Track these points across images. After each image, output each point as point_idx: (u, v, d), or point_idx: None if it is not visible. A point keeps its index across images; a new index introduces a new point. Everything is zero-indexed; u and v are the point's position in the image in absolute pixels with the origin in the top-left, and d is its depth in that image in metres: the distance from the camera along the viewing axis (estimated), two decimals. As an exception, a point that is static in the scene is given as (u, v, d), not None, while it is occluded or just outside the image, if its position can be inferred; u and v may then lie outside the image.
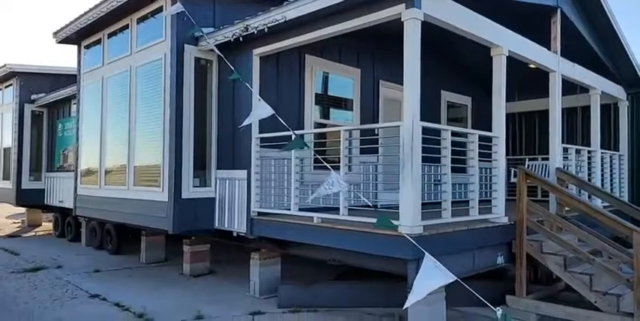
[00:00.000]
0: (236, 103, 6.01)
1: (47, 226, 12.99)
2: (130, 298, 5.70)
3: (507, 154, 11.37)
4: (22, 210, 14.02)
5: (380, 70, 7.90)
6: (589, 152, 7.78)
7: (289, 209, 5.25)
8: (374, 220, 4.26)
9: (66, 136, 10.73)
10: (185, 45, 5.98)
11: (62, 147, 10.94)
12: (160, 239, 8.31)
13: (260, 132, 5.74)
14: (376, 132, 7.12)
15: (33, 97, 11.47)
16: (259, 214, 5.67)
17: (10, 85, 11.93)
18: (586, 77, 7.40)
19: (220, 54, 5.72)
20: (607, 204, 6.70)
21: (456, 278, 3.25)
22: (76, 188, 8.29)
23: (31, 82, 11.59)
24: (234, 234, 5.94)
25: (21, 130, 11.40)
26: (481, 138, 5.11)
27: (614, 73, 8.80)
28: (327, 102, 7.15)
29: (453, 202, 5.00)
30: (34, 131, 11.66)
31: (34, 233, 12.28)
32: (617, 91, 8.91)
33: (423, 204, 4.87)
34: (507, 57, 5.49)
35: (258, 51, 5.74)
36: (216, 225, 6.16)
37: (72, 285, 6.43)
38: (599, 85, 7.86)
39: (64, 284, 6.47)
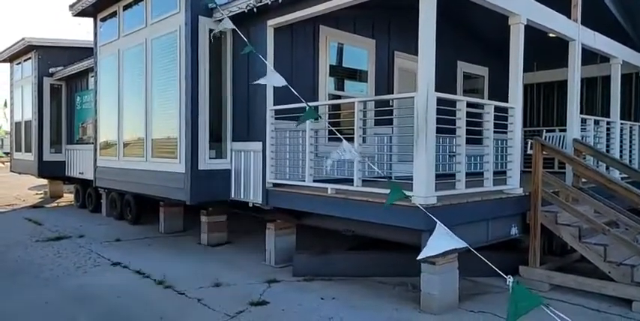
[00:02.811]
0: (251, 75, 5.99)
1: (68, 197, 13.35)
2: (150, 266, 5.90)
3: (525, 125, 11.35)
4: (44, 182, 14.40)
5: (395, 41, 7.77)
6: (608, 123, 7.64)
7: (304, 180, 5.32)
8: (387, 191, 4.31)
9: (84, 109, 10.88)
10: (199, 17, 5.95)
11: (81, 120, 11.12)
12: (178, 210, 8.50)
13: (274, 104, 5.75)
14: (390, 103, 7.09)
15: (51, 70, 11.59)
16: (274, 185, 5.75)
17: (29, 58, 12.05)
18: (607, 46, 7.18)
19: (233, 26, 5.68)
20: (625, 175, 6.64)
21: (466, 245, 3.29)
22: (95, 160, 8.47)
23: (49, 55, 11.68)
24: (250, 205, 6.05)
25: (40, 104, 11.59)
26: (497, 109, 5.06)
27: (635, 42, 8.51)
28: (342, 73, 7.09)
29: (468, 174, 5.01)
30: (54, 104, 11.83)
31: (56, 204, 12.64)
32: (639, 60, 8.63)
33: (438, 175, 4.89)
34: (525, 26, 5.35)
35: (273, 22, 5.68)
36: (232, 196, 6.27)
37: (94, 253, 6.67)
38: (620, 54, 7.63)
39: (87, 252, 6.72)
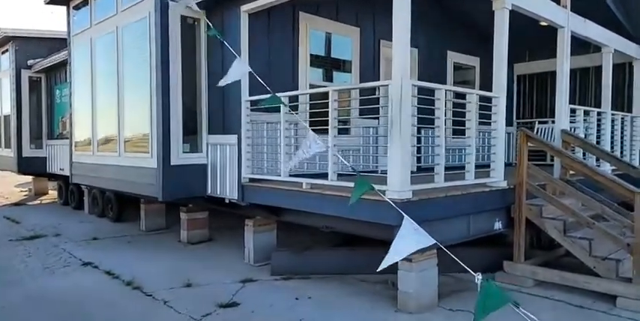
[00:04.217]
0: (225, 64, 5.71)
1: (53, 194, 13.09)
2: (123, 266, 5.67)
3: (518, 117, 11.15)
4: (31, 179, 14.12)
5: (381, 29, 7.49)
6: (599, 114, 7.43)
7: (279, 175, 5.09)
8: (377, 187, 4.08)
9: (64, 103, 10.56)
10: (170, 2, 5.67)
11: (61, 114, 10.82)
12: (159, 207, 8.26)
13: (251, 94, 5.50)
14: (377, 94, 6.85)
15: (30, 62, 11.25)
16: (251, 180, 5.53)
17: (6, 51, 11.71)
18: (598, 34, 6.94)
19: (198, 9, 5.42)
20: (615, 168, 6.44)
21: (436, 242, 3.07)
22: (71, 155, 8.21)
23: (27, 46, 11.33)
24: (227, 201, 5.83)
25: (19, 97, 11.25)
26: (484, 100, 4.85)
27: (629, 31, 8.28)
28: (324, 63, 6.84)
29: (455, 167, 4.80)
30: (33, 98, 11.51)
31: (39, 201, 12.38)
32: (631, 49, 8.40)
33: (425, 169, 4.69)
34: (512, 11, 5.11)
35: (247, 7, 5.42)
36: (209, 192, 6.04)
37: (66, 253, 6.43)
38: (612, 43, 7.40)
39: (59, 252, 6.48)
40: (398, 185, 3.82)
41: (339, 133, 6.11)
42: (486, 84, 9.79)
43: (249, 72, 5.38)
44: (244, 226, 5.98)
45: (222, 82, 4.72)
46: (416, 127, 5.07)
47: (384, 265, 2.99)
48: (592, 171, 4.67)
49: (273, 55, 6.01)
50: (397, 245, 3.00)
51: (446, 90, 4.30)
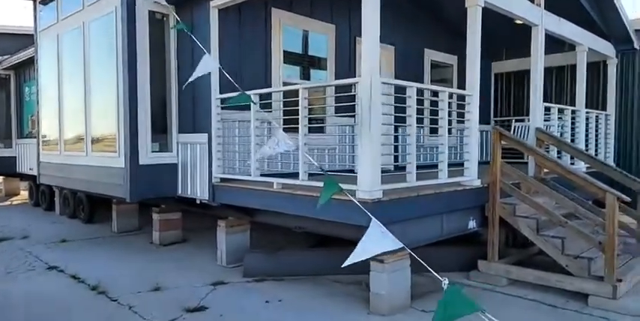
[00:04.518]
0: (195, 61, 5.49)
1: (25, 195, 12.71)
2: (90, 270, 5.48)
3: (495, 115, 11.19)
4: (0, 179, 13.71)
5: (357, 27, 7.28)
6: (573, 112, 7.47)
7: (250, 175, 4.96)
8: (343, 186, 3.98)
9: (33, 101, 10.17)
10: (137, -3, 5.49)
11: (30, 112, 10.48)
12: (131, 207, 8.06)
13: (222, 92, 5.36)
14: (353, 91, 6.76)
15: (-2, 59, 10.92)
16: (222, 180, 5.39)
17: (-26, 47, 11.33)
18: (572, 32, 6.97)
19: (167, 4, 5.26)
20: (589, 165, 6.47)
21: (403, 245, 2.99)
22: (38, 155, 7.95)
23: (-4, 43, 11.00)
24: (198, 201, 5.67)
25: (-14, 96, 10.92)
26: (462, 98, 4.80)
27: (603, 30, 8.35)
28: (300, 60, 6.72)
29: (433, 166, 4.73)
30: (2, 96, 11.18)
31: (9, 202, 12.02)
32: (605, 48, 8.49)
33: (401, 167, 4.61)
34: (487, 9, 5.08)
35: (216, 3, 5.27)
36: (180, 192, 5.88)
37: (33, 256, 6.20)
38: (586, 42, 7.45)
39: (24, 256, 6.24)
40: (368, 185, 3.73)
41: (314, 132, 6.03)
42: (464, 82, 9.82)
43: (220, 69, 5.24)
44: (217, 227, 5.85)
45: (190, 79, 4.55)
46: (392, 127, 5.06)
47: (346, 264, 2.90)
48: (564, 169, 4.66)
49: (244, 52, 5.87)
50: (363, 246, 2.91)
51: (417, 88, 4.21)
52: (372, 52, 3.76)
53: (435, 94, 4.72)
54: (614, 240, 4.17)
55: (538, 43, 6.15)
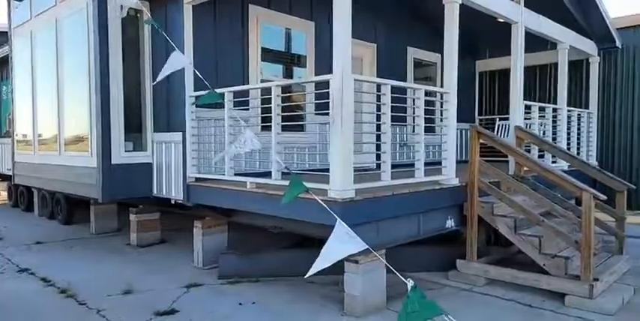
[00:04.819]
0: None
1: (4, 195, 12.45)
2: (62, 272, 5.34)
3: (480, 113, 11.17)
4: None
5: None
6: (555, 110, 7.45)
7: (224, 174, 4.86)
8: (307, 185, 3.90)
9: (10, 99, 10.05)
10: (109, -7, 5.36)
11: (8, 111, 10.26)
12: (110, 208, 7.90)
13: (196, 90, 5.24)
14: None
15: (-27, 57, 10.65)
16: (197, 179, 5.28)
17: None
18: (553, 30, 6.95)
19: (139, 0, 5.13)
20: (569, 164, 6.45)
21: (367, 247, 2.91)
22: (13, 154, 7.76)
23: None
24: (172, 201, 5.56)
25: (-38, 95, 10.68)
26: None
27: (585, 29, 8.36)
28: (280, 58, 6.63)
29: (410, 165, 4.68)
30: (-21, 95, 10.93)
31: (-12, 203, 11.77)
32: (588, 46, 8.50)
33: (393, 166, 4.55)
34: (465, 6, 5.03)
35: (189, -1, 5.17)
36: (155, 192, 5.76)
37: (4, 259, 6.03)
38: (568, 40, 7.44)
39: (-5, 258, 6.09)
40: (339, 184, 3.65)
41: (295, 130, 5.95)
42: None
43: (190, 66, 5.14)
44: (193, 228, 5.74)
45: (159, 76, 4.44)
46: (374, 125, 4.98)
47: (312, 271, 2.82)
48: (540, 167, 4.61)
49: (220, 49, 5.76)
50: (328, 249, 2.82)
51: (391, 85, 4.13)
52: (344, 49, 3.68)
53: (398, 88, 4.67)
54: (591, 239, 4.13)
55: (518, 41, 6.12)
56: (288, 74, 6.98)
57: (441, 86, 9.12)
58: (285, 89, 5.81)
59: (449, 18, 4.84)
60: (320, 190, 3.78)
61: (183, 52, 5.11)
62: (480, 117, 11.03)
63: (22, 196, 10.40)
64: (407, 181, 4.37)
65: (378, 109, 4.24)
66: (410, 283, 2.52)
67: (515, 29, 6.09)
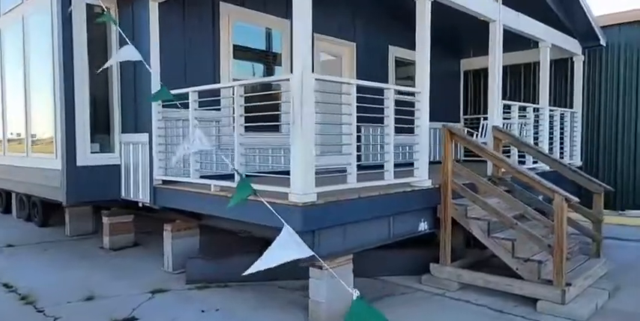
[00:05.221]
0: (137, 58, 5.31)
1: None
2: (26, 277, 5.20)
3: (465, 113, 11.07)
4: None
5: (315, 23, 7.10)
6: (537, 110, 7.35)
7: (189, 176, 4.71)
8: (270, 188, 3.78)
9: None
10: (73, -11, 5.20)
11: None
12: (86, 210, 7.74)
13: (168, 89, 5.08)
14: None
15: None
16: (164, 182, 5.12)
17: None
18: (533, 29, 6.84)
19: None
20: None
21: (313, 254, 2.79)
22: (-17, 156, 7.58)
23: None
24: (140, 204, 5.41)
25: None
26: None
27: (569, 27, 8.26)
28: (251, 56, 6.49)
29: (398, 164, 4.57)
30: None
31: (-34, 205, 11.53)
32: (571, 45, 8.41)
33: (366, 167, 4.43)
34: (439, 4, 4.92)
35: (155, -4, 5.01)
36: (123, 195, 5.60)
37: (-31, 262, 5.88)
38: (549, 38, 7.34)
39: (-40, 262, 5.92)
40: (299, 188, 3.51)
41: (271, 131, 5.79)
42: (432, 80, 9.67)
43: (161, 65, 5.01)
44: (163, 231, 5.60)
45: (105, 65, 4.29)
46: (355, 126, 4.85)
47: (250, 271, 2.69)
48: (513, 169, 4.50)
49: (190, 47, 5.62)
50: (271, 252, 2.70)
51: (357, 85, 4.00)
52: (304, 47, 3.54)
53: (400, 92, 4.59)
54: (563, 242, 4.02)
55: (496, 39, 6.01)
56: (269, 73, 6.85)
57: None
58: (264, 88, 5.67)
59: (420, 15, 4.72)
60: (282, 194, 3.65)
61: (149, 51, 4.98)
62: (465, 116, 10.93)
63: (0, 198, 10.20)
64: (375, 184, 4.24)
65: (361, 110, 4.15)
66: (355, 293, 2.38)
67: (493, 27, 5.98)
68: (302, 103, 3.47)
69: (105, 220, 6.70)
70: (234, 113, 4.16)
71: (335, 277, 3.90)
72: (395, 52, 8.77)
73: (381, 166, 4.43)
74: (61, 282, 5.10)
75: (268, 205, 3.14)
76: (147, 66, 4.05)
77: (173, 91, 4.79)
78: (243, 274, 2.64)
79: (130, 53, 4.24)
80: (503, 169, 5.69)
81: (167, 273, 5.43)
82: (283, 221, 2.92)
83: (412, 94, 4.79)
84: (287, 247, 2.75)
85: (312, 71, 6.90)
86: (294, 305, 4.32)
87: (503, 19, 6.02)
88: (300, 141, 3.51)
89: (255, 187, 3.95)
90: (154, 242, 6.86)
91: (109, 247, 6.61)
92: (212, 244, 5.95)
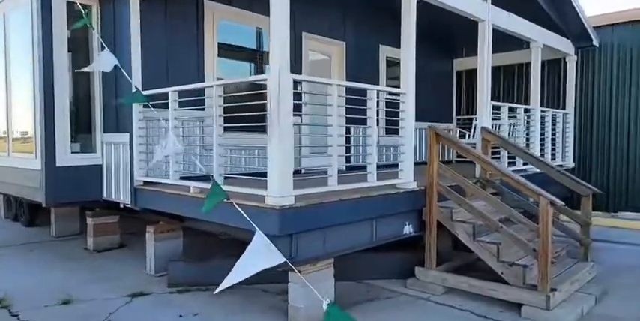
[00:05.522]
0: (117, 55, 5.17)
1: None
2: (6, 279, 5.12)
3: (458, 113, 10.98)
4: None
5: (303, 22, 7.07)
6: (527, 111, 7.27)
7: (169, 178, 4.62)
8: (246, 191, 3.69)
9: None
10: (53, -13, 5.09)
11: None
12: (72, 211, 7.64)
13: (145, 88, 4.98)
14: (299, 89, 6.46)
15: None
16: (145, 183, 5.02)
17: None
18: (524, 28, 6.76)
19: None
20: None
21: (285, 260, 2.70)
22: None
23: None
24: (121, 206, 5.31)
25: None
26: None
27: (561, 28, 8.18)
28: (236, 55, 6.39)
29: (381, 166, 4.48)
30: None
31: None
32: (564, 45, 8.33)
33: (354, 168, 4.35)
34: (424, 3, 4.83)
35: (137, -6, 4.91)
36: (105, 195, 5.50)
37: (-52, 265, 5.78)
38: (541, 38, 7.25)
39: (-62, 264, 5.81)
40: (276, 191, 3.41)
41: (258, 131, 5.68)
42: (423, 80, 9.58)
43: (142, 64, 4.92)
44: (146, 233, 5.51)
45: (85, 69, 4.21)
46: (343, 127, 4.77)
47: (223, 285, 2.59)
48: (498, 171, 4.42)
49: (173, 46, 5.52)
50: (244, 261, 2.61)
51: (337, 84, 3.91)
52: (281, 45, 3.44)
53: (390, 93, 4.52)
54: (548, 246, 3.94)
55: (485, 39, 5.92)
56: (259, 72, 6.75)
57: (417, 86, 9.00)
58: (251, 88, 5.57)
59: (406, 13, 4.64)
60: (259, 197, 3.56)
61: (130, 49, 4.88)
62: (458, 117, 10.85)
63: (-12, 198, 10.08)
64: (357, 186, 4.15)
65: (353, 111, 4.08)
66: (326, 301, 2.30)
67: (482, 27, 5.89)
68: (279, 103, 3.38)
69: (89, 220, 6.60)
70: (226, 113, 4.08)
71: (308, 285, 3.82)
72: (386, 51, 8.67)
73: (378, 167, 4.34)
74: (40, 284, 5.01)
75: (239, 209, 3.04)
76: (124, 72, 3.95)
77: (153, 91, 4.71)
78: (216, 291, 2.55)
79: (107, 60, 4.14)
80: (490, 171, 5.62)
81: (149, 276, 5.34)
82: (255, 227, 2.83)
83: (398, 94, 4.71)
84: (259, 255, 2.66)
85: (300, 72, 6.87)
86: (275, 310, 4.23)
87: (492, 18, 5.94)
88: (277, 141, 3.42)
89: (235, 189, 3.87)
90: (140, 244, 6.73)
91: (93, 249, 6.51)
92: (196, 247, 5.86)
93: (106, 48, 4.36)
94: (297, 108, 6.74)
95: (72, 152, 5.27)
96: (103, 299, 4.54)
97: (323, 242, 3.89)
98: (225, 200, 3.63)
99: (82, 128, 5.42)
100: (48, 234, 7.63)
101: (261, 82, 3.81)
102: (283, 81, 3.38)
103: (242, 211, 3.00)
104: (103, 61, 4.18)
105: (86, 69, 4.22)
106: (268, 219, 3.43)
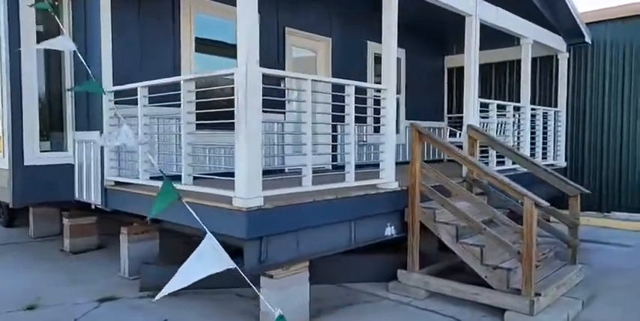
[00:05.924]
0: (88, 49, 4.98)
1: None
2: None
3: (450, 111, 10.80)
4: None
5: (286, 16, 6.89)
6: (517, 109, 7.10)
7: (139, 178, 4.42)
8: (216, 191, 3.50)
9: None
10: (19, -22, 4.88)
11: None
12: (51, 211, 7.40)
13: (117, 83, 4.78)
14: (282, 85, 6.27)
15: None
16: (116, 183, 4.82)
17: None
18: (514, 24, 6.58)
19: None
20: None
21: (235, 266, 2.51)
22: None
23: None
24: (93, 206, 5.11)
25: None
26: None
27: (553, 24, 8.01)
28: (214, 50, 6.18)
29: (368, 165, 4.30)
30: None
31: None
32: (555, 41, 8.16)
33: (339, 167, 4.17)
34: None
35: (108, -15, 4.70)
36: (77, 196, 5.30)
37: None
38: (531, 34, 7.08)
39: None
40: (243, 192, 3.23)
41: (230, 129, 5.50)
42: (412, 77, 9.43)
43: (113, 56, 4.71)
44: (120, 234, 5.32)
45: (37, 46, 4.03)
46: (330, 125, 4.57)
47: (163, 292, 2.41)
48: (481, 170, 4.24)
49: (147, 39, 5.32)
50: (189, 266, 2.42)
51: (311, 80, 3.72)
52: (249, 39, 3.25)
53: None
54: (532, 249, 3.76)
55: (472, 35, 5.74)
56: (222, 67, 6.52)
57: (406, 83, 8.82)
58: (226, 83, 5.37)
59: (387, 8, 4.44)
60: (226, 198, 3.38)
61: (100, 43, 4.68)
62: (450, 115, 10.67)
63: (-33, 198, 9.86)
64: (333, 186, 3.97)
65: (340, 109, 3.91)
66: (277, 312, 2.11)
67: (470, 22, 5.71)
68: (246, 98, 3.19)
69: (65, 221, 6.40)
70: (201, 109, 3.88)
71: (287, 287, 3.65)
72: (374, 48, 8.45)
73: (365, 166, 4.16)
74: (8, 288, 4.81)
75: (190, 209, 2.86)
76: (81, 58, 3.73)
77: (121, 87, 4.51)
78: (156, 298, 2.36)
79: (64, 44, 3.93)
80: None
81: (123, 279, 5.15)
82: (205, 228, 2.65)
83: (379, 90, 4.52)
84: (205, 259, 2.47)
85: (284, 68, 6.67)
86: (245, 316, 4.05)
87: (480, 13, 5.76)
88: (245, 139, 3.22)
89: (203, 189, 3.69)
90: (118, 246, 6.56)
91: (70, 250, 6.31)
92: (172, 249, 5.65)
93: (65, 34, 4.15)
94: (281, 105, 6.56)
95: (41, 151, 5.06)
96: (71, 304, 4.35)
97: (296, 245, 3.70)
98: (195, 201, 3.45)
99: (53, 126, 5.22)
100: (27, 235, 7.43)
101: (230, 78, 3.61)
102: (251, 75, 3.19)
103: (192, 210, 2.81)
104: (59, 44, 3.97)
105: (39, 46, 4.02)
106: (235, 221, 3.25)
